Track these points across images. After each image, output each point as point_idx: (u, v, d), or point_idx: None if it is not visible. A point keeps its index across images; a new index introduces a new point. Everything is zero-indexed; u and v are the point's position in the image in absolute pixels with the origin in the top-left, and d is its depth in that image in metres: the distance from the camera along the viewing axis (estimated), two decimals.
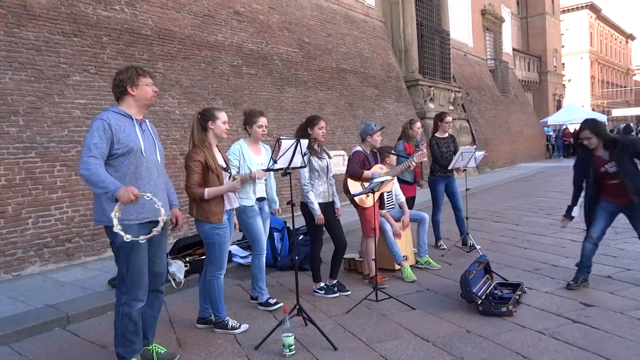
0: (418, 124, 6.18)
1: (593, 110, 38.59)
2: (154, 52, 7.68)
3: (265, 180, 4.34)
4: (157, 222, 2.88)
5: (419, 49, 15.55)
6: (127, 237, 2.72)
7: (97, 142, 2.82)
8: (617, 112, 44.11)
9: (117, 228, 2.70)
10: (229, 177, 3.76)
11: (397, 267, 5.23)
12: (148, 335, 3.28)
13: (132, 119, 3.01)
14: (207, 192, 3.56)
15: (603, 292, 4.36)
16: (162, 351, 3.32)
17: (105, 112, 2.97)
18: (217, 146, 3.79)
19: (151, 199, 2.82)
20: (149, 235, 2.86)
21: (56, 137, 6.01)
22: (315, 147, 4.55)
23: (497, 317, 3.85)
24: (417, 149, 5.95)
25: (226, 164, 3.81)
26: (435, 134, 6.40)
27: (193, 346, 3.59)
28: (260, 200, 4.29)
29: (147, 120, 3.17)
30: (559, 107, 32.48)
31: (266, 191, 4.40)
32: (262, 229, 4.28)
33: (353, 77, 12.56)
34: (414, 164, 5.18)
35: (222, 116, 3.73)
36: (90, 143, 2.82)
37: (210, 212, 3.60)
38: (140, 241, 2.82)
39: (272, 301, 4.36)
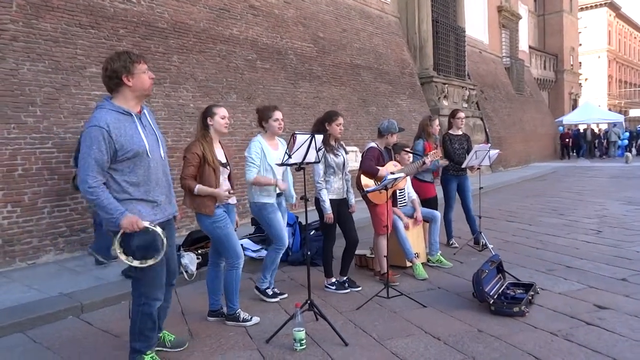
0: (437, 121, 6.09)
1: (610, 110, 38.00)
2: (170, 45, 7.71)
3: (283, 175, 4.34)
4: (163, 222, 2.92)
5: (433, 45, 15.44)
6: (135, 263, 2.75)
7: (97, 156, 2.60)
8: (634, 112, 43.44)
9: (126, 260, 2.69)
10: (228, 174, 3.82)
11: (408, 264, 5.21)
12: (160, 324, 3.32)
13: (132, 115, 2.76)
14: (198, 188, 3.61)
15: (618, 295, 4.31)
16: (172, 338, 3.39)
17: (102, 113, 2.67)
18: (219, 142, 3.85)
19: (152, 229, 2.74)
20: (151, 262, 2.78)
21: (72, 128, 6.06)
22: (332, 142, 4.54)
23: (509, 317, 3.82)
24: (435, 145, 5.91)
25: (227, 160, 3.83)
26: (449, 131, 6.37)
27: (205, 338, 3.62)
28: (277, 195, 4.30)
29: (145, 110, 2.91)
30: (574, 106, 32.06)
31: None
32: (283, 223, 4.29)
33: (367, 73, 12.51)
34: (428, 162, 5.15)
35: (220, 111, 3.77)
36: (88, 157, 2.60)
37: (202, 204, 3.65)
38: (144, 265, 2.77)
39: (269, 292, 4.40)
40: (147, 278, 2.93)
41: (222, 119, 3.76)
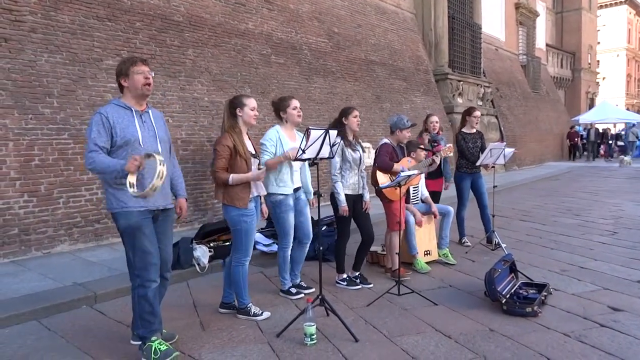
0: (432, 118, 6.05)
1: (627, 109, 37.41)
2: (185, 39, 7.74)
3: (300, 169, 4.33)
4: (158, 210, 3.08)
5: (449, 42, 15.30)
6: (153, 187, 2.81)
7: (96, 136, 2.92)
8: None
9: (135, 193, 2.82)
10: (258, 165, 3.80)
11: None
12: None
13: (132, 110, 3.05)
14: (232, 178, 3.61)
15: (632, 297, 4.25)
16: (163, 331, 3.39)
17: (106, 105, 3.07)
18: (247, 134, 3.84)
19: (151, 157, 2.86)
20: (161, 182, 2.83)
21: (88, 120, 6.08)
22: (350, 138, 4.53)
23: (521, 317, 3.79)
24: (435, 143, 5.87)
25: (255, 151, 3.83)
26: (463, 129, 6.29)
27: (216, 330, 3.65)
28: (296, 190, 4.29)
29: (150, 111, 3.17)
30: (591, 105, 31.59)
31: (301, 180, 4.41)
32: (292, 223, 4.26)
33: (381, 69, 12.45)
34: (438, 159, 5.11)
35: (250, 103, 3.76)
36: (89, 138, 2.93)
37: (236, 197, 3.65)
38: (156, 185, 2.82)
39: (293, 290, 4.39)
40: (137, 259, 3.05)
41: (252, 110, 3.75)
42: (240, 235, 3.75)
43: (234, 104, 3.75)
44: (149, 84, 3.06)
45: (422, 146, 5.37)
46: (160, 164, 2.81)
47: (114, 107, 3.04)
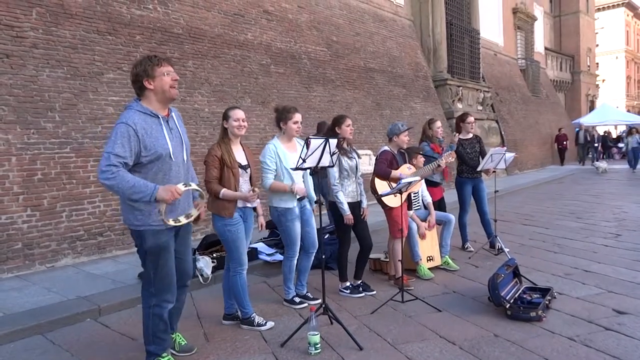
0: (437, 123, 6.04)
1: (628, 111, 37.37)
2: (185, 51, 7.80)
3: (303, 178, 4.30)
4: (191, 215, 2.97)
5: (448, 48, 15.36)
6: (177, 221, 2.83)
7: (119, 151, 2.62)
8: None
9: (171, 222, 2.76)
10: (249, 177, 3.84)
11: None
12: (173, 325, 3.36)
13: (159, 117, 2.82)
14: (223, 192, 3.66)
15: (637, 300, 4.24)
16: (183, 342, 3.42)
17: (130, 113, 2.74)
18: (241, 144, 3.89)
19: (189, 188, 2.81)
20: (187, 221, 2.89)
21: (90, 133, 6.16)
22: (345, 146, 4.54)
23: (525, 322, 3.78)
24: (444, 148, 5.90)
25: (248, 162, 3.85)
26: (459, 136, 6.29)
27: (220, 341, 3.65)
28: (301, 199, 4.27)
29: (173, 114, 2.96)
30: (592, 108, 31.59)
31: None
32: (299, 233, 4.26)
33: (381, 76, 12.50)
34: (443, 164, 5.14)
35: (234, 114, 3.79)
36: (110, 151, 2.62)
37: (222, 207, 3.70)
38: (180, 222, 2.85)
39: (296, 300, 4.39)
40: (158, 279, 2.96)
41: (235, 121, 3.78)
42: (229, 245, 3.78)
43: (222, 117, 3.85)
44: (175, 86, 2.83)
45: (421, 152, 5.38)
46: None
47: (140, 115, 2.73)
